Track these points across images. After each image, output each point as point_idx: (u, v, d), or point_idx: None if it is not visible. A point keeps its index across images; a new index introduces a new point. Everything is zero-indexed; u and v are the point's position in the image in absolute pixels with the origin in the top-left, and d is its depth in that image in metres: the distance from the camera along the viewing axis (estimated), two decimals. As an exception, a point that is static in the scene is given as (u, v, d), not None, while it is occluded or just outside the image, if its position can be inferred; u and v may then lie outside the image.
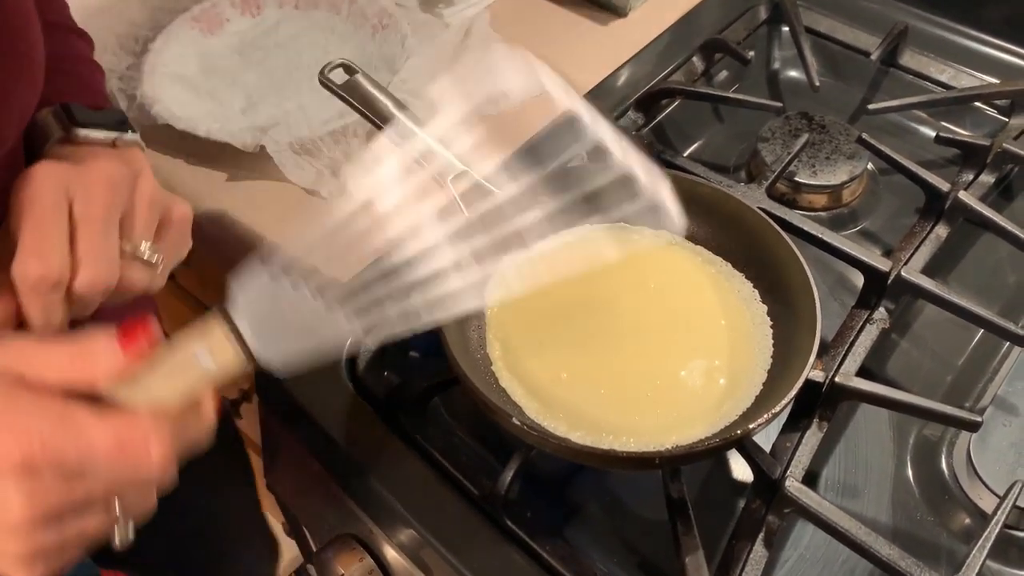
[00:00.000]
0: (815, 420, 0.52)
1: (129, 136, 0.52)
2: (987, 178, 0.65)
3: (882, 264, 0.58)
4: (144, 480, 0.34)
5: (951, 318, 0.56)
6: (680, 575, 0.46)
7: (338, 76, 0.57)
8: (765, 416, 0.46)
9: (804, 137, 0.66)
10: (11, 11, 0.45)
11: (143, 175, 0.46)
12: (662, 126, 0.76)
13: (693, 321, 0.54)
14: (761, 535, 0.48)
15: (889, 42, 0.76)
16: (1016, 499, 0.46)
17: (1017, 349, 0.56)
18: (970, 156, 0.67)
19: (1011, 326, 0.54)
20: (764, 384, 0.51)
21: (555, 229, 0.59)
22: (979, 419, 0.49)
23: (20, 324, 0.42)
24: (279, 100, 0.78)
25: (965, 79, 0.75)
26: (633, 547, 0.51)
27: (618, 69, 0.77)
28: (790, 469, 0.49)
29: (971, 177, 0.65)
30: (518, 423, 0.46)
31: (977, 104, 0.74)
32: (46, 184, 0.42)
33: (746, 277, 0.56)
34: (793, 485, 0.48)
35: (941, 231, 0.62)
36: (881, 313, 0.57)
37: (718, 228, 0.58)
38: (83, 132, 0.49)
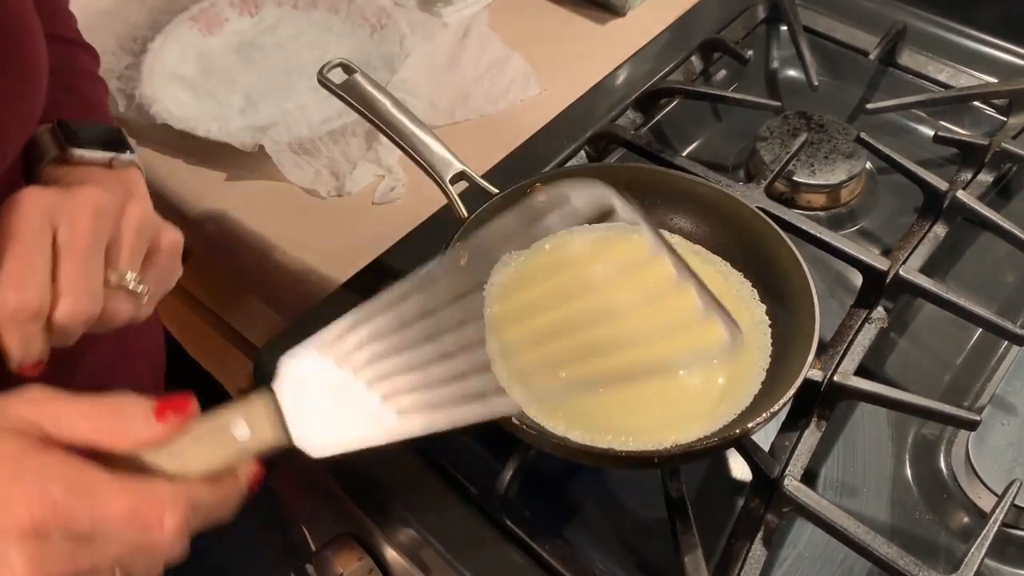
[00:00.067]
0: (814, 419, 0.52)
1: (126, 156, 0.51)
2: (985, 177, 0.65)
3: (880, 263, 0.58)
4: (155, 550, 0.33)
5: (949, 317, 0.56)
6: (679, 574, 0.46)
7: (337, 76, 0.57)
8: (764, 415, 0.46)
9: (803, 136, 0.66)
10: (16, 26, 0.44)
11: (133, 201, 0.45)
12: (661, 125, 0.76)
13: (692, 320, 0.54)
14: (760, 534, 0.48)
15: (887, 41, 0.76)
16: (1014, 498, 0.46)
17: (1015, 348, 0.56)
18: (968, 155, 0.67)
19: (1009, 325, 0.54)
20: (763, 383, 0.51)
21: (554, 229, 0.59)
22: (977, 418, 0.49)
23: None
24: (278, 100, 0.78)
25: (963, 78, 0.75)
26: (632, 546, 0.51)
27: (617, 68, 0.77)
28: (789, 468, 0.49)
29: (969, 176, 0.65)
30: (517, 422, 0.46)
31: (975, 103, 0.74)
32: (31, 211, 0.41)
33: (744, 276, 0.56)
34: (792, 484, 0.48)
35: (939, 230, 0.62)
36: (879, 312, 0.57)
37: (716, 227, 0.58)
38: (78, 152, 0.49)
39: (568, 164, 0.70)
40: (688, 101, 0.76)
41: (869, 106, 0.72)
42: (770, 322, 0.53)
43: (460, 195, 0.55)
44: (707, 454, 0.53)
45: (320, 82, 0.57)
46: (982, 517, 0.47)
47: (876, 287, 0.58)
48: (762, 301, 0.54)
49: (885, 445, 0.54)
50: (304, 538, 0.63)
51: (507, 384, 0.51)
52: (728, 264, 0.56)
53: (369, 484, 0.52)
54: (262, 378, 0.57)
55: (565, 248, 0.59)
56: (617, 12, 0.86)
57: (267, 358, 0.57)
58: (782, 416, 0.53)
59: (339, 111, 0.74)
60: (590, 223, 0.60)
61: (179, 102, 0.77)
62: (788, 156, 0.65)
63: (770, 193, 0.63)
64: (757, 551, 0.47)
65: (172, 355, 0.71)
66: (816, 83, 0.74)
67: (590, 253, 0.59)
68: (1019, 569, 0.49)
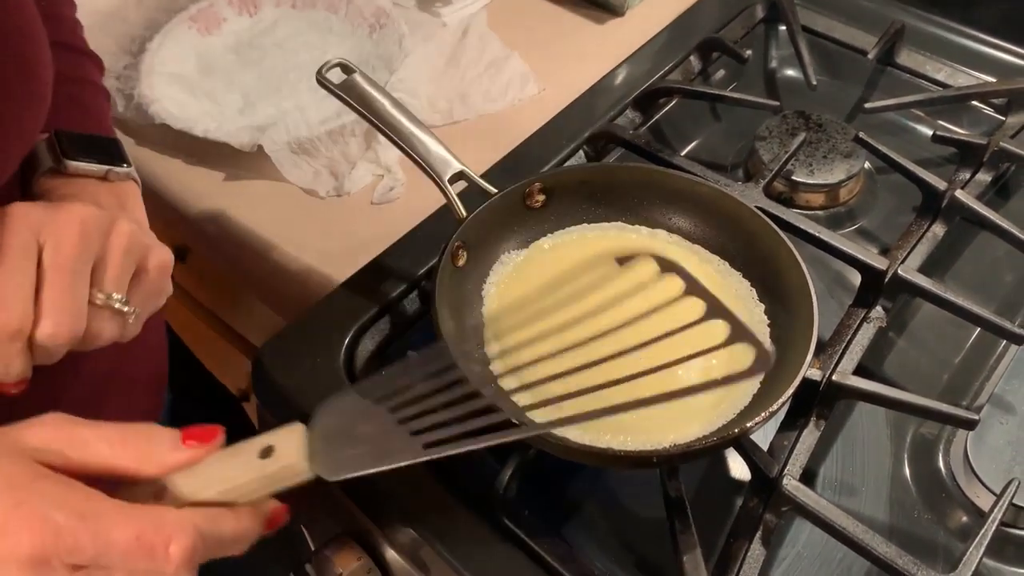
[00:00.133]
0: (812, 419, 0.52)
1: (122, 169, 0.50)
2: (984, 177, 0.65)
3: (879, 263, 0.58)
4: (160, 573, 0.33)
5: (948, 317, 0.57)
6: (678, 573, 0.46)
7: (335, 75, 0.57)
8: (762, 415, 0.46)
9: (801, 136, 0.66)
10: (22, 37, 0.44)
11: (122, 218, 0.44)
12: (659, 125, 0.76)
13: (690, 320, 0.54)
14: (759, 533, 0.48)
15: (886, 41, 0.76)
16: (1012, 497, 0.46)
17: (1014, 347, 0.56)
18: (967, 155, 0.67)
19: (1008, 324, 0.54)
20: (761, 383, 0.51)
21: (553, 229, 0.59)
22: (976, 417, 0.49)
23: None
24: (276, 100, 0.78)
25: (962, 78, 0.75)
26: (631, 546, 0.51)
27: (615, 68, 0.77)
28: (787, 467, 0.49)
29: (968, 176, 0.65)
30: (516, 422, 0.46)
31: (974, 103, 0.74)
32: (16, 227, 0.40)
33: (743, 276, 0.56)
34: (791, 483, 0.48)
35: (938, 230, 0.62)
36: (878, 312, 0.57)
37: (715, 227, 0.58)
38: (73, 164, 0.48)
39: (567, 164, 0.70)
40: (687, 101, 0.76)
41: (868, 105, 0.72)
42: (769, 322, 0.53)
43: (459, 195, 0.55)
44: (706, 453, 0.53)
45: (319, 82, 0.57)
46: (980, 516, 0.47)
47: (875, 286, 0.58)
48: (761, 301, 0.54)
49: (884, 444, 0.54)
50: (303, 538, 0.63)
51: (506, 383, 0.51)
52: (727, 264, 0.57)
53: (368, 484, 0.52)
54: (261, 377, 0.57)
55: (564, 248, 0.59)
56: (616, 12, 0.86)
57: (266, 358, 0.57)
58: (781, 415, 0.53)
59: (338, 111, 0.74)
60: (590, 223, 0.60)
61: (177, 102, 0.76)
62: (787, 155, 0.65)
63: (769, 192, 0.63)
64: (756, 550, 0.47)
65: (174, 356, 0.70)
66: (815, 83, 0.74)
67: (589, 253, 0.59)
68: (1018, 568, 0.49)
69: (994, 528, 0.45)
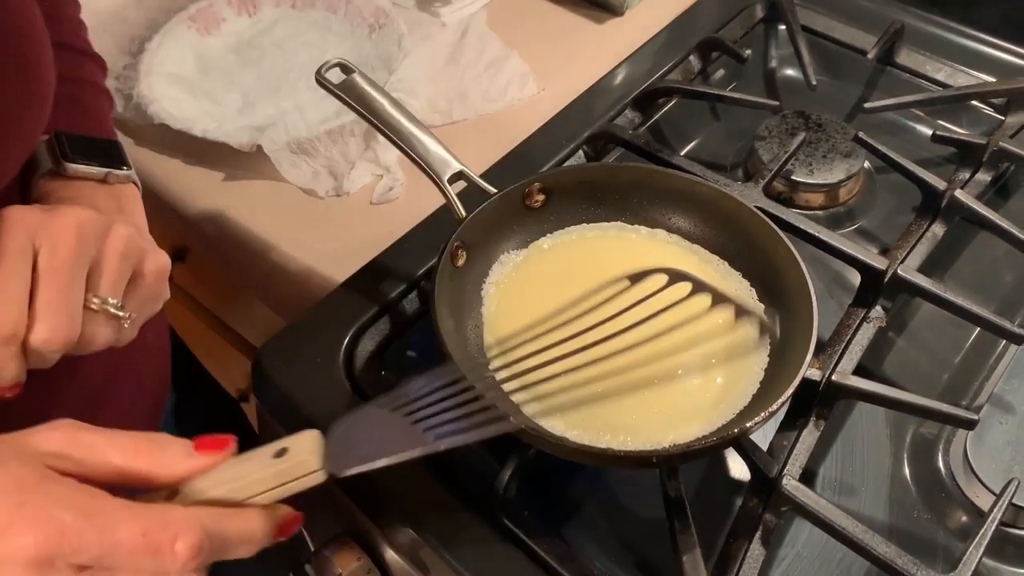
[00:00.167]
0: (812, 419, 0.52)
1: (122, 172, 0.50)
2: (983, 176, 0.65)
3: (879, 262, 0.58)
4: (165, 574, 0.33)
5: (948, 316, 0.57)
6: (678, 573, 0.46)
7: (335, 75, 0.57)
8: (762, 415, 0.46)
9: (801, 136, 0.66)
10: (23, 38, 0.44)
11: (119, 223, 0.44)
12: (659, 125, 0.76)
13: (690, 319, 0.54)
14: (758, 533, 0.48)
15: (885, 41, 0.76)
16: (1012, 496, 0.46)
17: (1013, 347, 0.56)
18: (966, 154, 0.67)
19: (1007, 324, 0.54)
20: (761, 383, 0.51)
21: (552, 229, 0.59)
22: (975, 417, 0.49)
23: None
24: (276, 100, 0.78)
25: (961, 78, 0.75)
26: (631, 546, 0.51)
27: (615, 68, 0.77)
28: (787, 467, 0.49)
29: (967, 175, 0.65)
30: (515, 422, 0.46)
31: (973, 102, 0.74)
32: (12, 230, 0.40)
33: (743, 276, 0.56)
34: (790, 483, 0.48)
35: (937, 229, 0.62)
36: (878, 312, 0.57)
37: (715, 227, 0.58)
38: (72, 167, 0.48)
39: (566, 164, 0.70)
40: (686, 100, 0.76)
41: (867, 105, 0.72)
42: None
43: (458, 195, 0.55)
44: (705, 454, 0.53)
45: (318, 82, 0.57)
46: (980, 516, 0.47)
47: (874, 286, 0.58)
48: (760, 300, 0.54)
49: (883, 444, 0.54)
50: (303, 538, 0.63)
51: (505, 383, 0.51)
52: (727, 264, 0.56)
53: (368, 484, 0.52)
54: (261, 378, 0.57)
55: (564, 248, 0.59)
56: (615, 11, 0.86)
57: (266, 358, 0.57)
58: (780, 415, 0.53)
59: (337, 111, 0.74)
60: (589, 223, 0.60)
61: (177, 102, 0.76)
62: (786, 155, 0.65)
63: (768, 192, 0.63)
64: (755, 550, 0.47)
65: (177, 358, 0.70)
66: (814, 82, 0.74)
67: (588, 253, 0.59)
68: (1017, 568, 0.49)
69: (994, 528, 0.45)
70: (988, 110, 0.74)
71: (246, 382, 0.87)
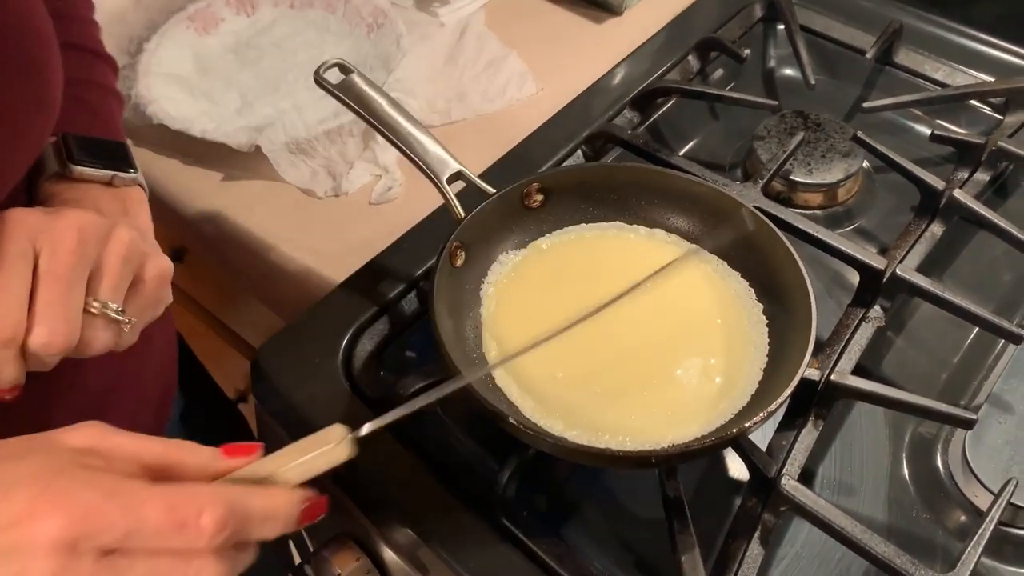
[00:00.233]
0: (811, 418, 0.52)
1: (128, 175, 0.50)
2: (982, 176, 0.65)
3: (877, 262, 0.58)
4: (191, 553, 0.33)
5: (946, 316, 0.57)
6: (677, 573, 0.46)
7: (333, 76, 0.57)
8: (761, 414, 0.46)
9: (800, 135, 0.66)
10: (31, 41, 0.44)
11: (121, 226, 0.43)
12: (658, 125, 0.76)
13: (689, 320, 0.54)
14: (757, 533, 0.48)
15: (884, 40, 0.76)
16: (1011, 496, 0.46)
17: (1012, 347, 0.56)
18: (965, 154, 0.67)
19: (1006, 324, 0.54)
20: (760, 383, 0.51)
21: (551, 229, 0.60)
22: (974, 417, 0.49)
23: None
24: (274, 100, 0.78)
25: (960, 77, 0.75)
26: (629, 546, 0.51)
27: (614, 68, 0.77)
28: (786, 467, 0.49)
29: (966, 175, 0.65)
30: (514, 422, 0.46)
31: (972, 102, 0.74)
32: (13, 234, 0.40)
33: (742, 276, 0.56)
34: (789, 483, 0.48)
35: (936, 229, 0.62)
36: (877, 311, 0.57)
37: (714, 227, 0.58)
38: (78, 169, 0.48)
39: (565, 164, 0.70)
40: (685, 100, 0.76)
41: (866, 105, 0.72)
42: (767, 321, 0.53)
43: (457, 195, 0.55)
44: (704, 454, 0.53)
45: (316, 82, 0.57)
46: (979, 515, 0.47)
47: (873, 286, 0.58)
48: (759, 300, 0.54)
49: (882, 444, 0.54)
50: (302, 538, 0.63)
51: (504, 383, 0.51)
52: (725, 264, 0.56)
53: (367, 484, 0.52)
54: (259, 378, 0.57)
55: (562, 248, 0.59)
56: (614, 11, 0.86)
57: (265, 358, 0.57)
58: (779, 415, 0.53)
59: (336, 111, 0.73)
60: (588, 222, 0.60)
61: (175, 102, 0.76)
62: (785, 155, 0.65)
63: (767, 192, 0.63)
64: (754, 550, 0.47)
65: (183, 364, 0.70)
66: (813, 82, 0.74)
67: (587, 253, 0.59)
68: (1015, 567, 0.49)
69: (992, 527, 0.45)
70: (987, 109, 0.74)
71: (245, 383, 0.87)
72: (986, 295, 0.61)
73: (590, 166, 0.69)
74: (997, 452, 0.51)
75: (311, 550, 0.53)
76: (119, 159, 0.51)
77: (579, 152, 0.71)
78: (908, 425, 0.55)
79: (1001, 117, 0.72)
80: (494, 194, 0.56)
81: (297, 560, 0.52)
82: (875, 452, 0.54)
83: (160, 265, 0.45)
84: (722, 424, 0.49)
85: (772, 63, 0.82)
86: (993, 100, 0.73)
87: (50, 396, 0.52)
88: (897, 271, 0.57)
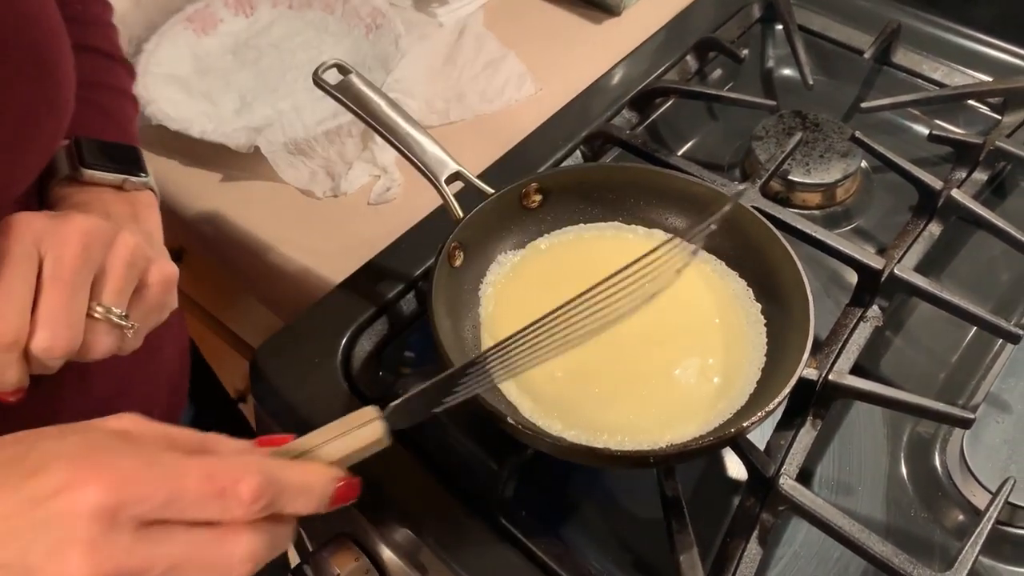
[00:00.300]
0: (809, 418, 0.52)
1: (139, 179, 0.50)
2: (980, 176, 0.65)
3: (875, 262, 0.58)
4: (228, 527, 0.33)
5: (944, 316, 0.57)
6: (675, 573, 0.46)
7: (332, 76, 0.57)
8: (759, 414, 0.46)
9: (798, 135, 0.66)
10: (43, 46, 0.44)
11: (126, 231, 0.43)
12: (656, 125, 0.76)
13: (687, 320, 0.54)
14: (755, 533, 0.48)
15: (882, 40, 0.76)
16: (1008, 495, 0.46)
17: (1010, 346, 0.56)
18: (963, 154, 0.68)
19: (1004, 323, 0.54)
20: (758, 382, 0.51)
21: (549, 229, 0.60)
22: (972, 416, 0.49)
23: None
24: (273, 100, 0.78)
25: (958, 77, 0.75)
26: (628, 545, 0.51)
27: (612, 68, 0.77)
28: (784, 467, 0.49)
29: (964, 175, 0.65)
30: (513, 422, 0.46)
31: (970, 102, 0.74)
32: (18, 237, 0.40)
33: (740, 276, 0.56)
34: (787, 483, 0.48)
35: (934, 229, 0.62)
36: (875, 311, 0.57)
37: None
38: (88, 173, 0.48)
39: (564, 164, 0.70)
40: (683, 100, 0.76)
41: (864, 105, 0.72)
42: (765, 321, 0.53)
43: (455, 195, 0.55)
44: (703, 453, 0.53)
45: (315, 83, 0.57)
46: (977, 515, 0.47)
47: (871, 286, 0.58)
48: (757, 300, 0.55)
49: (880, 443, 0.54)
50: (301, 538, 0.63)
51: (502, 384, 0.51)
52: (723, 263, 0.57)
53: (366, 484, 0.52)
54: (258, 378, 0.57)
55: (561, 248, 0.59)
56: (612, 11, 0.86)
57: (264, 358, 0.57)
58: (777, 415, 0.53)
59: (334, 111, 0.74)
60: (586, 223, 0.60)
61: (174, 103, 0.76)
62: (783, 155, 0.65)
63: (765, 192, 0.63)
64: (753, 550, 0.47)
65: (195, 371, 0.70)
66: (811, 82, 0.74)
67: (585, 253, 0.59)
68: (1013, 566, 0.49)
69: (990, 526, 0.45)
70: (985, 109, 0.74)
71: (244, 383, 0.87)
72: (984, 295, 0.61)
73: (588, 166, 0.69)
74: (995, 451, 0.51)
75: (310, 550, 0.53)
76: (130, 163, 0.51)
77: (578, 152, 0.71)
78: (906, 424, 0.55)
79: (999, 117, 0.72)
80: (493, 194, 0.56)
81: (296, 560, 0.52)
82: (873, 451, 0.54)
83: (165, 270, 0.45)
84: (720, 424, 0.49)
85: (770, 63, 0.82)
86: (991, 100, 0.73)
87: (56, 400, 0.52)
88: (895, 271, 0.57)
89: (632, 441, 0.48)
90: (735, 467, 0.53)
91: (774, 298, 0.54)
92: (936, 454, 0.53)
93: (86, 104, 0.51)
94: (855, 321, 0.56)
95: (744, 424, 0.46)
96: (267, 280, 0.68)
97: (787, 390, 0.47)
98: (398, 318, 0.60)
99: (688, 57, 0.78)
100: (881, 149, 0.65)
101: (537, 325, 0.40)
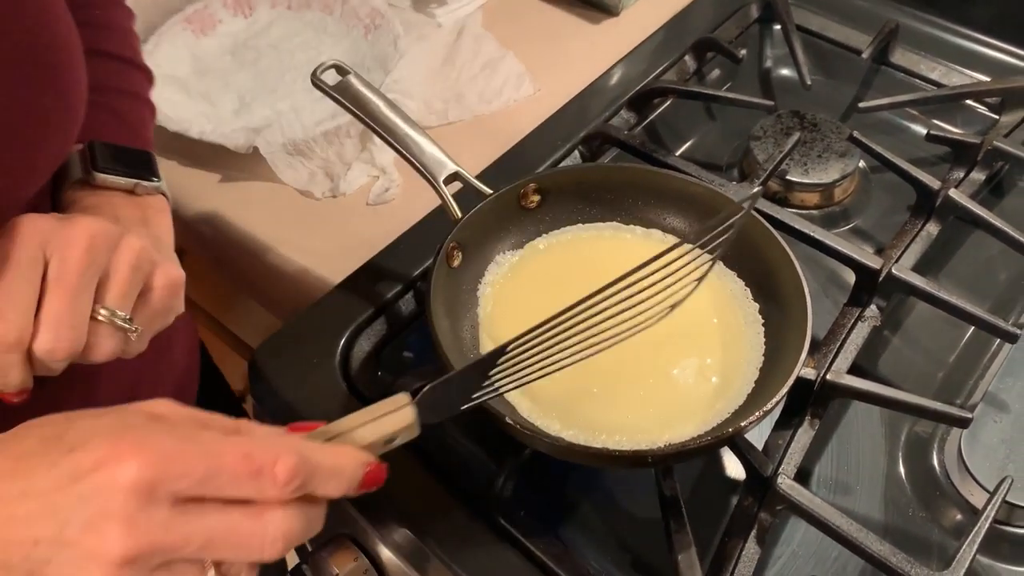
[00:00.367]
0: (807, 418, 0.52)
1: (150, 183, 0.51)
2: (978, 176, 0.66)
3: (873, 262, 0.58)
4: (262, 507, 0.33)
5: (942, 315, 0.57)
6: (673, 572, 0.46)
7: (330, 77, 0.57)
8: (757, 414, 0.46)
9: (796, 135, 0.66)
10: (57, 47, 0.44)
11: (133, 234, 0.43)
12: (654, 125, 0.76)
13: (685, 320, 0.54)
14: (753, 532, 0.48)
15: (880, 40, 0.76)
16: (1006, 494, 0.47)
17: (1007, 346, 0.56)
18: (961, 154, 0.68)
19: (1001, 323, 0.54)
20: (756, 382, 0.51)
21: (548, 230, 0.60)
22: (970, 415, 0.49)
23: None
24: (272, 101, 0.78)
25: (956, 77, 0.75)
26: (626, 545, 0.51)
27: (610, 68, 0.77)
28: (782, 466, 0.49)
29: (962, 175, 0.66)
30: (511, 422, 0.46)
31: (968, 102, 0.74)
32: (24, 239, 0.40)
33: (738, 276, 0.56)
34: (785, 482, 0.48)
35: (932, 229, 0.62)
36: (872, 311, 0.57)
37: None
38: (101, 177, 0.48)
39: (562, 164, 0.70)
40: (682, 101, 0.76)
41: (862, 105, 0.72)
42: (763, 321, 0.53)
43: (454, 196, 0.55)
44: (701, 453, 0.53)
45: (314, 83, 0.57)
46: (974, 514, 0.47)
47: (869, 285, 0.58)
48: (755, 300, 0.55)
49: (878, 443, 0.54)
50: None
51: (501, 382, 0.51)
52: (721, 263, 0.57)
53: (364, 485, 0.52)
54: (257, 379, 0.57)
55: (559, 248, 0.59)
56: (611, 12, 0.86)
57: (262, 359, 0.57)
58: (775, 414, 0.53)
59: (333, 112, 0.74)
60: (584, 223, 0.60)
61: (172, 103, 0.76)
62: (781, 155, 0.65)
63: (764, 192, 0.63)
64: (751, 549, 0.48)
65: (205, 375, 0.70)
66: (809, 82, 0.74)
67: (584, 253, 0.59)
68: (1011, 565, 0.49)
69: (987, 525, 0.45)
70: (983, 109, 0.74)
71: (243, 383, 0.87)
72: (982, 294, 0.61)
73: (587, 166, 0.69)
74: (993, 451, 0.51)
75: (309, 550, 0.53)
76: (143, 167, 0.51)
77: (576, 152, 0.71)
78: (904, 424, 0.55)
79: (997, 117, 0.72)
80: (491, 195, 0.56)
81: (295, 561, 0.52)
82: (871, 451, 0.54)
83: (171, 274, 0.45)
84: (718, 423, 0.49)
85: (768, 63, 0.82)
86: (989, 100, 0.74)
87: (61, 402, 0.52)
88: (893, 270, 0.57)
89: (630, 441, 0.48)
90: (733, 467, 0.53)
91: (772, 298, 0.54)
92: (934, 453, 0.53)
93: (100, 108, 0.51)
94: (853, 321, 0.56)
95: (742, 424, 0.46)
96: (266, 280, 0.68)
97: (785, 390, 0.47)
98: (397, 318, 0.60)
99: (686, 57, 0.78)
100: (879, 149, 0.65)
101: (564, 323, 0.40)
